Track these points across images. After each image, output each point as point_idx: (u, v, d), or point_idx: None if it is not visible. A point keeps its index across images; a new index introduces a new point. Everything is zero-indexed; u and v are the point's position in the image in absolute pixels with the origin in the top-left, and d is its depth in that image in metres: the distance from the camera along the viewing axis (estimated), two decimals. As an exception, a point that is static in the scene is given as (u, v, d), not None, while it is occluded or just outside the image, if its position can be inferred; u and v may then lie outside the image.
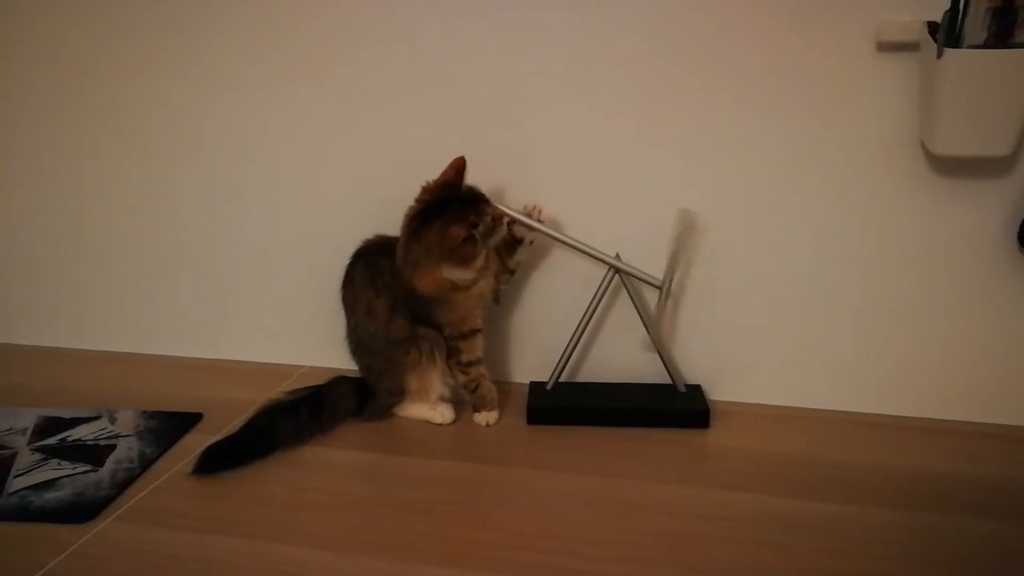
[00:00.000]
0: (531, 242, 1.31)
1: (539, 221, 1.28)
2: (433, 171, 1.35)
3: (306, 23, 1.36)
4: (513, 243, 1.30)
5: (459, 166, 1.22)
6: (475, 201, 1.21)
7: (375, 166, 1.40)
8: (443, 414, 1.29)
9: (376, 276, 1.28)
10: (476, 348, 1.29)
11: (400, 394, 1.30)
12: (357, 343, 1.33)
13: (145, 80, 1.45)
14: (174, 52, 1.43)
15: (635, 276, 1.29)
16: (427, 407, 1.30)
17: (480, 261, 1.21)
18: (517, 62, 1.30)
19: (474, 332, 1.28)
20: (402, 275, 1.24)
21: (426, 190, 1.23)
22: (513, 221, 1.27)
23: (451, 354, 1.28)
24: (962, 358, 1.26)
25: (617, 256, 1.29)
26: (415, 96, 1.35)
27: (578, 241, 1.30)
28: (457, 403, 1.33)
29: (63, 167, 1.55)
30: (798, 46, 1.19)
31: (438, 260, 1.19)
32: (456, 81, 1.33)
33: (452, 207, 1.19)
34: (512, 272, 1.33)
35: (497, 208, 1.23)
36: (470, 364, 1.29)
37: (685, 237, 1.28)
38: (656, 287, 1.28)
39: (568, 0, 1.25)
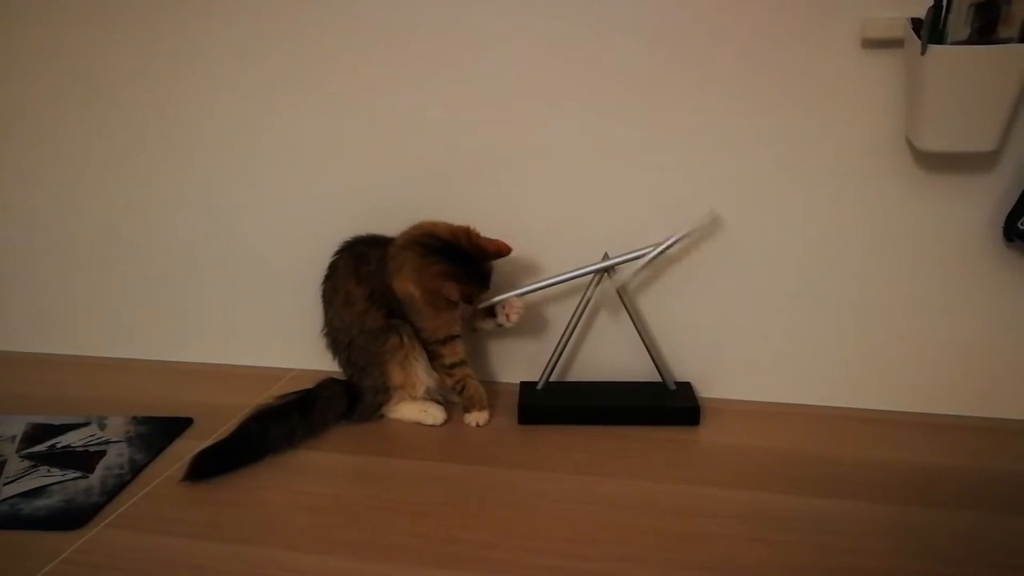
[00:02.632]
0: (499, 326, 1.33)
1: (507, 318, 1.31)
2: (427, 176, 1.37)
3: (303, 29, 1.35)
4: (490, 312, 1.32)
5: (502, 250, 1.23)
6: (483, 280, 1.24)
7: (367, 171, 1.40)
8: (434, 415, 1.29)
9: (360, 264, 1.29)
10: (457, 351, 1.29)
11: (386, 391, 1.29)
12: (333, 338, 1.33)
13: (137, 84, 1.45)
14: (169, 57, 1.42)
15: (625, 262, 1.29)
16: (417, 408, 1.30)
17: (444, 315, 1.26)
18: (510, 64, 1.30)
19: (452, 338, 1.29)
20: (386, 267, 1.25)
21: (465, 234, 1.23)
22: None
23: (433, 357, 1.29)
24: (950, 353, 1.27)
25: (605, 255, 1.30)
26: (410, 102, 1.35)
27: (561, 275, 1.31)
28: (448, 404, 1.33)
29: (49, 173, 1.54)
30: (783, 43, 1.20)
31: (418, 285, 1.23)
32: (451, 85, 1.33)
33: (468, 267, 1.22)
34: (473, 330, 1.35)
35: (481, 299, 1.27)
36: (454, 366, 1.29)
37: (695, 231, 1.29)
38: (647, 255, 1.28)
39: (557, 2, 1.25)
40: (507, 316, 1.31)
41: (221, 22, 1.38)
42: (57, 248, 1.58)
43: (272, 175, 1.44)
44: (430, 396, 1.31)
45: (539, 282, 1.31)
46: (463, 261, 1.22)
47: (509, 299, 1.31)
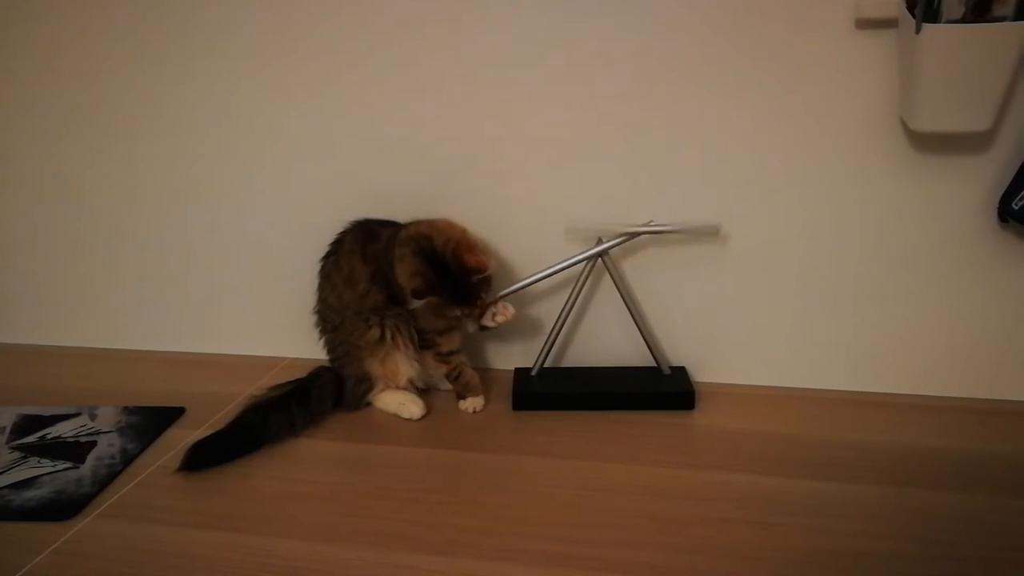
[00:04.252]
0: (483, 327, 1.31)
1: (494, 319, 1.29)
2: (419, 164, 1.36)
3: (302, 23, 1.34)
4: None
5: (479, 267, 1.20)
6: (462, 293, 1.21)
7: (359, 162, 1.39)
8: (410, 410, 1.27)
9: (369, 242, 1.28)
10: (453, 340, 1.29)
11: (368, 380, 1.28)
12: (323, 316, 1.33)
13: (134, 78, 1.43)
14: (167, 50, 1.40)
15: (619, 244, 1.28)
16: (397, 400, 1.28)
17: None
18: (504, 57, 1.28)
19: (448, 329, 1.28)
20: (393, 251, 1.25)
21: (454, 247, 1.21)
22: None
23: (429, 346, 1.28)
24: (945, 334, 1.26)
25: (599, 240, 1.29)
26: (406, 95, 1.34)
27: (556, 265, 1.30)
28: (430, 392, 1.33)
29: (42, 167, 1.52)
30: (775, 24, 1.19)
31: (402, 281, 1.23)
32: (448, 78, 1.31)
33: (447, 278, 1.20)
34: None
35: (471, 308, 1.24)
36: (450, 354, 1.29)
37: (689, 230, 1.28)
38: (646, 232, 1.28)
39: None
40: (492, 316, 1.28)
41: (221, 16, 1.36)
42: (46, 240, 1.57)
43: (264, 166, 1.43)
44: (413, 386, 1.30)
45: (536, 275, 1.30)
46: (443, 272, 1.20)
47: (501, 302, 1.29)
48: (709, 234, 1.29)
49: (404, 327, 1.27)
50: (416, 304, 1.23)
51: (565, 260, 1.30)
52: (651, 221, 1.28)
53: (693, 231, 1.28)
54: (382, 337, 1.26)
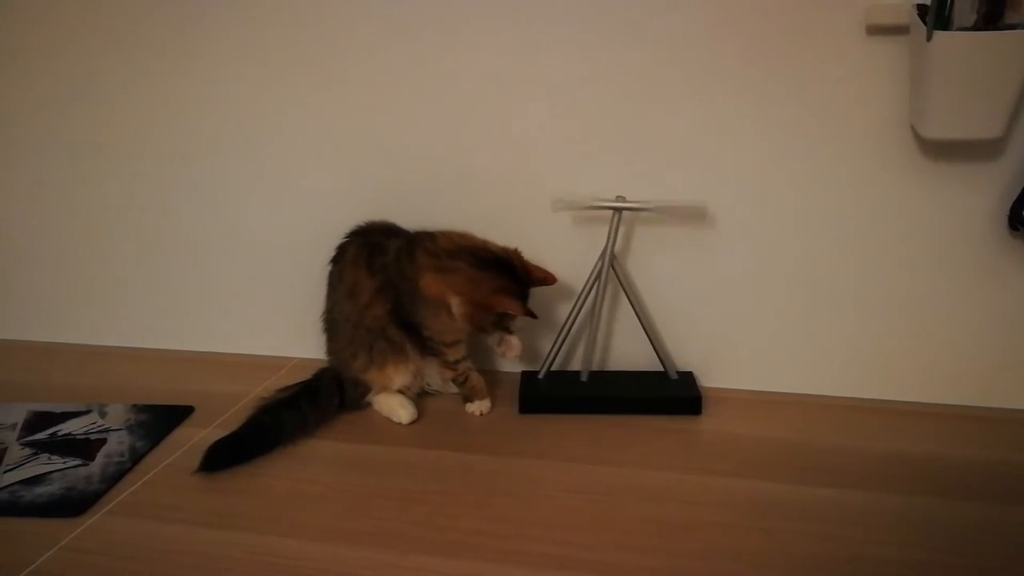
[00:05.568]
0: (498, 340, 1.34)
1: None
2: (422, 165, 1.36)
3: (302, 22, 1.35)
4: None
5: (548, 279, 1.25)
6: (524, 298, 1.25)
7: (366, 159, 1.39)
8: (399, 415, 1.27)
9: (375, 255, 1.27)
10: (459, 350, 1.29)
11: (363, 385, 1.29)
12: (329, 325, 1.33)
13: (139, 77, 1.44)
14: (169, 51, 1.41)
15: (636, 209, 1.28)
16: (388, 403, 1.29)
17: (472, 327, 1.25)
18: (506, 60, 1.29)
19: (456, 342, 1.28)
20: (413, 260, 1.23)
21: (517, 255, 1.24)
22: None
23: (436, 354, 1.29)
24: (953, 342, 1.26)
25: (607, 245, 1.29)
26: (409, 96, 1.34)
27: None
28: (436, 395, 1.34)
29: (49, 163, 1.53)
30: (786, 30, 1.19)
31: (467, 296, 1.20)
32: (451, 81, 1.32)
33: (518, 281, 1.22)
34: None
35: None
36: (457, 362, 1.29)
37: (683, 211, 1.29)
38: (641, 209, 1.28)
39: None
40: (503, 352, 1.32)
41: (224, 15, 1.37)
42: (57, 237, 1.58)
43: (271, 165, 1.44)
44: (405, 391, 1.30)
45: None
46: (516, 279, 1.22)
47: (509, 339, 1.31)
48: (695, 215, 1.28)
49: (395, 350, 1.27)
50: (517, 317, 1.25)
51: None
52: (621, 196, 1.28)
53: (677, 209, 1.28)
54: (370, 363, 1.27)
